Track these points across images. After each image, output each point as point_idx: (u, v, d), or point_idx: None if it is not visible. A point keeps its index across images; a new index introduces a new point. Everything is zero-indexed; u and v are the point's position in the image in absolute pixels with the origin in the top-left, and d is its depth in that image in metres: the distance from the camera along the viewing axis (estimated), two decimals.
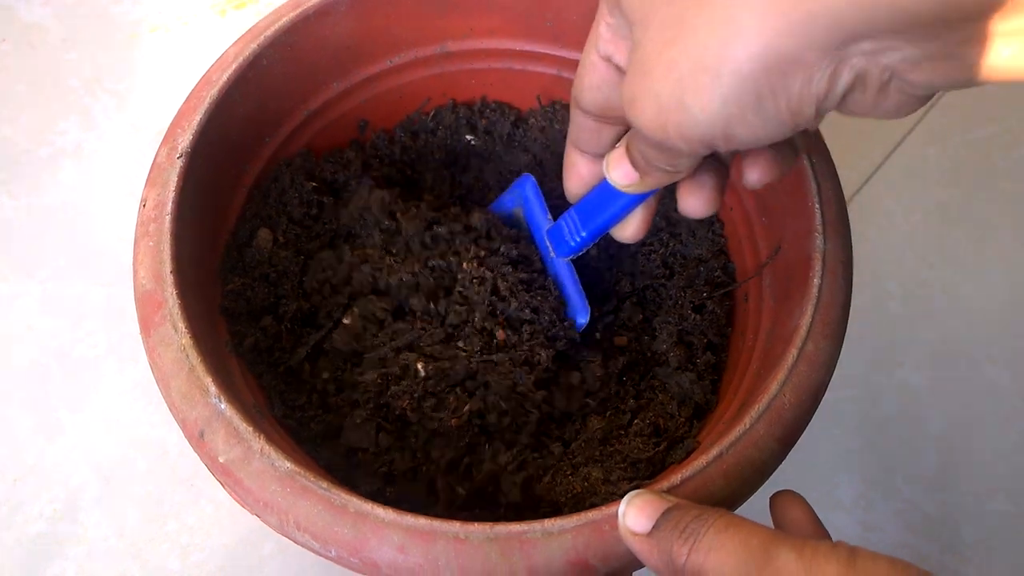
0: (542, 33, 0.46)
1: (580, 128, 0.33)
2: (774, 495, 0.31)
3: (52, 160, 0.61)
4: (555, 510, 0.36)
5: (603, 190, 0.35)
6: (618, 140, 0.32)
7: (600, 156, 0.34)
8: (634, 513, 0.28)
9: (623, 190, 0.32)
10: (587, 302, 0.42)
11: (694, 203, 0.31)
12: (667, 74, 0.24)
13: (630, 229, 0.35)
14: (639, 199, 0.34)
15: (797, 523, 0.30)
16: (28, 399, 0.53)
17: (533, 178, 0.44)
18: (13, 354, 0.54)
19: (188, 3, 0.69)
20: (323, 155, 0.46)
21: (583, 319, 0.42)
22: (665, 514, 0.28)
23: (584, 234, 0.38)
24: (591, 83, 0.30)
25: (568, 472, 0.38)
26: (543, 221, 0.43)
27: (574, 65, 0.46)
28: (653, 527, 0.28)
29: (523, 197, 0.44)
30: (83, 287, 0.56)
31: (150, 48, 0.66)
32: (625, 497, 0.29)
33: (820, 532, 0.30)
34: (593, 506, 0.30)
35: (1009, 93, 0.66)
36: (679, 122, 0.24)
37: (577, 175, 0.35)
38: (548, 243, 0.42)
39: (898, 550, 0.50)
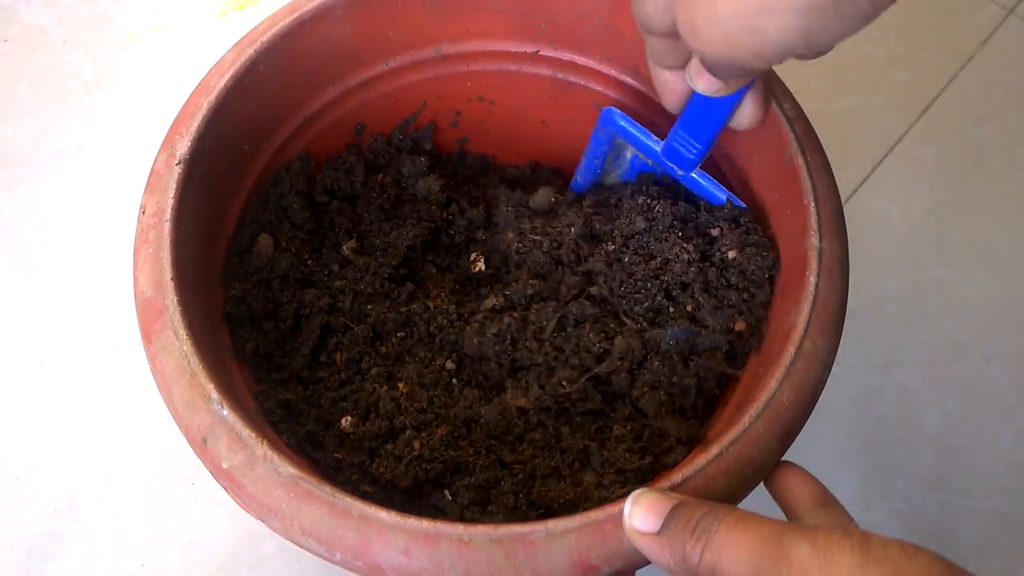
0: (537, 35, 0.46)
1: (655, 49, 0.33)
2: (770, 473, 0.32)
3: (52, 160, 0.61)
4: (549, 515, 0.36)
5: (700, 98, 0.35)
6: None
7: (684, 67, 0.33)
8: (641, 513, 0.28)
9: (714, 96, 0.32)
10: (736, 197, 0.41)
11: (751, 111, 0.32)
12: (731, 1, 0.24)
13: (746, 118, 0.35)
14: (738, 95, 0.34)
15: (799, 496, 0.30)
16: (28, 399, 0.53)
17: (616, 109, 0.43)
18: (13, 354, 0.54)
19: (188, 4, 0.69)
20: (322, 160, 0.46)
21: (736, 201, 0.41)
22: (673, 512, 0.28)
23: (699, 145, 0.38)
24: (655, 7, 0.29)
25: (560, 477, 0.38)
26: (653, 144, 0.42)
27: (570, 66, 0.47)
28: (662, 526, 0.27)
29: (619, 131, 0.43)
30: (83, 287, 0.56)
31: (150, 49, 0.67)
32: (630, 497, 0.29)
33: (826, 499, 0.30)
34: (587, 510, 0.30)
35: (1008, 93, 0.66)
36: (752, 44, 0.24)
37: (670, 91, 0.35)
38: (671, 164, 0.41)
39: None
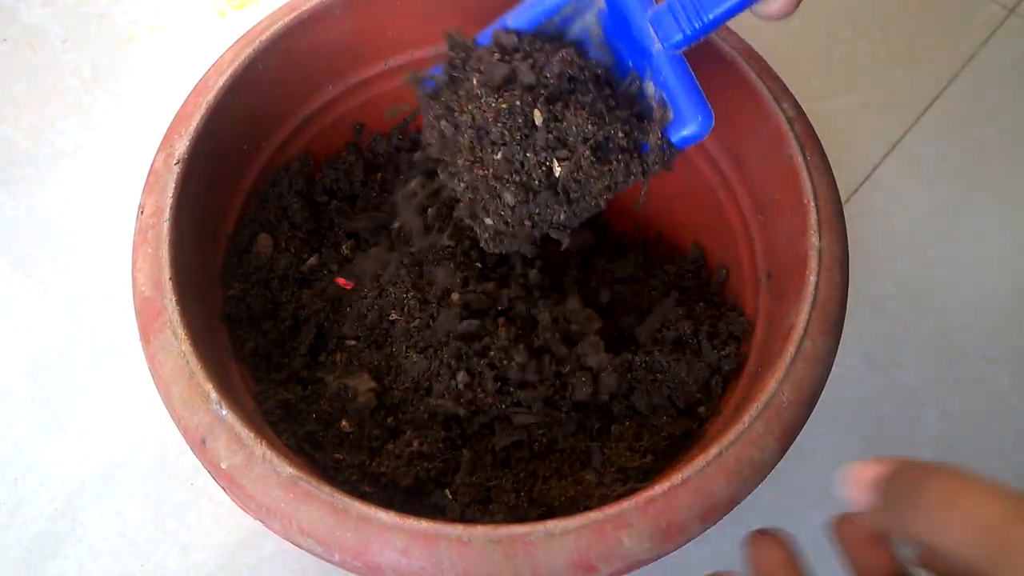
0: None
1: None
2: (749, 536, 0.28)
3: (52, 160, 0.61)
4: (549, 514, 0.36)
5: None
6: None
7: None
8: (855, 490, 0.26)
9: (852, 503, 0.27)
10: (707, 103, 0.33)
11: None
12: None
13: (776, 4, 0.30)
14: None
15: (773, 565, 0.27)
16: (28, 399, 0.53)
17: None
18: (13, 354, 0.54)
19: (187, 4, 0.69)
20: (321, 160, 0.46)
21: (704, 126, 0.32)
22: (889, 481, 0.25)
23: (710, 16, 0.31)
24: None
25: (561, 476, 0.38)
26: (643, 3, 0.33)
27: None
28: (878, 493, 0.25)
29: None
30: (83, 287, 0.56)
31: (150, 49, 0.67)
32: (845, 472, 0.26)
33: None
34: (588, 509, 0.30)
35: (1009, 93, 0.66)
36: None
37: None
38: (652, 32, 0.33)
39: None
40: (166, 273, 0.34)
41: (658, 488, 0.30)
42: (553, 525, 0.29)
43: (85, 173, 0.61)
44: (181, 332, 0.33)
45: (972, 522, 0.22)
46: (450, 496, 0.37)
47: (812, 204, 0.36)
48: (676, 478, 0.30)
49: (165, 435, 0.52)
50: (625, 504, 0.30)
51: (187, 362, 0.32)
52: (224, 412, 0.31)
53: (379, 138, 0.48)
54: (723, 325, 0.42)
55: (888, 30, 0.69)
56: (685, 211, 0.48)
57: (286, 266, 0.42)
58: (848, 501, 0.26)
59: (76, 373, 0.54)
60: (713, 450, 0.31)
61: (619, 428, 0.39)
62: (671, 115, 0.33)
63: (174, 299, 0.33)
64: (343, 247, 0.44)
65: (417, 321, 0.40)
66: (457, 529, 0.29)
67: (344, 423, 0.38)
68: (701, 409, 0.40)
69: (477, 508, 0.37)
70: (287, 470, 0.30)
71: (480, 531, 0.29)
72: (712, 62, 0.40)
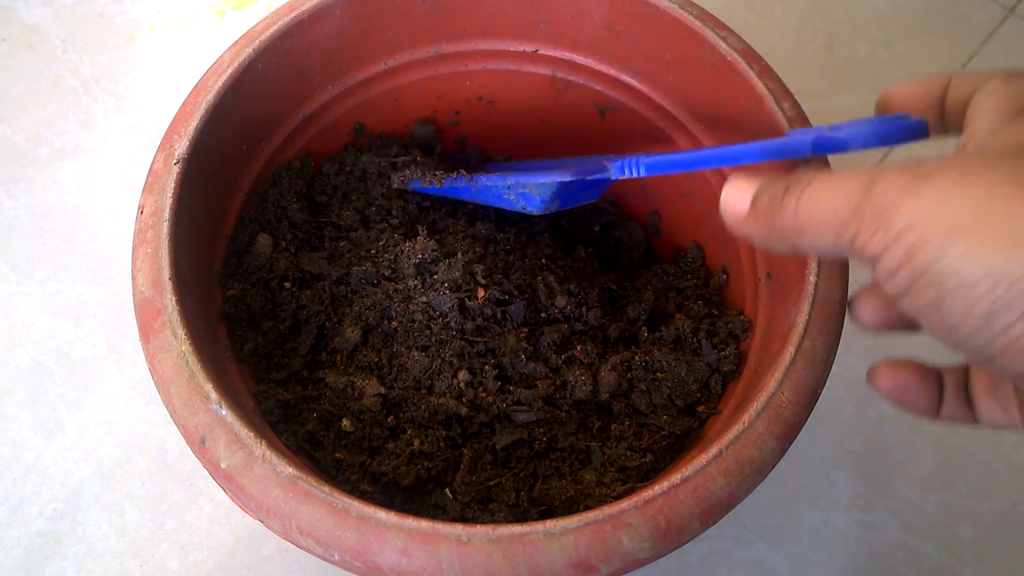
0: (537, 34, 0.46)
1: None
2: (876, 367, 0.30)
3: (52, 160, 0.61)
4: (549, 513, 0.36)
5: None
6: None
7: None
8: (734, 193, 0.28)
9: (729, 220, 0.29)
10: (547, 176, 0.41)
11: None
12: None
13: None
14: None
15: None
16: (28, 399, 0.53)
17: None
18: (13, 354, 0.54)
19: (187, 4, 0.69)
20: (321, 159, 0.46)
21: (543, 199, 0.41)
22: (763, 186, 0.27)
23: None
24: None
25: (561, 475, 0.38)
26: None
27: (568, 65, 0.47)
28: (753, 200, 0.27)
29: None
30: (83, 287, 0.56)
31: (149, 49, 0.67)
32: (724, 186, 0.28)
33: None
34: (588, 508, 0.30)
35: None
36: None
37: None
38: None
39: (896, 549, 0.50)
40: (166, 273, 0.34)
41: (657, 488, 0.30)
42: (552, 525, 0.29)
43: (85, 173, 0.61)
44: (181, 332, 0.33)
45: (840, 178, 0.24)
46: (450, 495, 0.37)
47: None
48: (675, 477, 0.30)
49: (165, 435, 0.52)
50: (624, 504, 0.30)
51: (187, 362, 0.32)
52: (224, 412, 0.31)
53: (380, 137, 0.48)
54: (722, 324, 0.42)
55: (888, 30, 0.69)
56: (686, 211, 0.48)
57: (285, 266, 0.42)
58: (728, 219, 0.28)
59: (76, 373, 0.54)
60: (713, 449, 0.31)
61: (619, 427, 0.39)
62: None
63: (174, 299, 0.33)
64: (342, 247, 0.44)
65: (418, 319, 0.40)
66: (456, 529, 0.29)
67: (345, 422, 0.38)
68: (701, 408, 0.40)
69: (477, 507, 0.37)
70: (287, 470, 0.30)
71: (480, 531, 0.29)
72: (713, 63, 0.40)
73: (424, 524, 0.29)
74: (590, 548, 0.29)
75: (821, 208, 0.24)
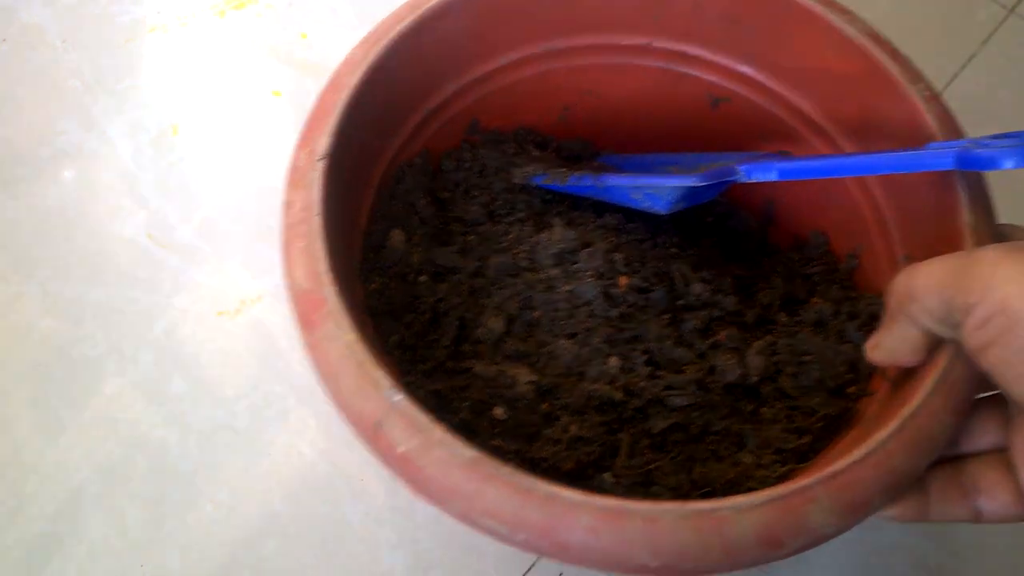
0: (650, 27, 0.46)
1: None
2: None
3: (52, 160, 0.61)
4: (712, 494, 0.36)
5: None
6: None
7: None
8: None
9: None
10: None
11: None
12: None
13: None
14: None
15: None
16: (28, 399, 0.53)
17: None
18: (13, 354, 0.54)
19: (187, 4, 0.69)
20: (440, 155, 0.47)
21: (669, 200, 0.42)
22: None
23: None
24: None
25: (719, 458, 0.38)
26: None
27: (682, 57, 0.47)
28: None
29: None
30: (83, 287, 0.56)
31: (149, 49, 0.67)
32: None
33: None
34: (751, 490, 0.30)
35: (1009, 93, 0.66)
36: None
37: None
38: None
39: (896, 550, 0.50)
40: (323, 265, 0.34)
41: (842, 463, 0.30)
42: (741, 500, 0.29)
43: (85, 173, 0.61)
44: (345, 322, 0.32)
45: (930, 279, 0.29)
46: (612, 479, 0.37)
47: (961, 180, 0.36)
48: (857, 454, 0.30)
49: (165, 435, 0.52)
50: (810, 478, 0.29)
51: (352, 351, 0.32)
52: (396, 398, 0.31)
53: (495, 134, 0.49)
54: (863, 306, 0.41)
55: (888, 30, 0.69)
56: (806, 199, 0.48)
57: (420, 260, 0.43)
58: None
59: (76, 373, 0.54)
60: (893, 424, 0.30)
61: (770, 410, 0.39)
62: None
63: (334, 290, 0.33)
64: (470, 240, 0.45)
65: (562, 308, 0.41)
66: (645, 506, 0.28)
67: (498, 410, 0.38)
68: (851, 390, 0.39)
69: (640, 490, 0.36)
70: (468, 452, 0.30)
71: (669, 507, 0.28)
72: (839, 47, 0.41)
73: (612, 502, 0.28)
74: (778, 523, 0.29)
75: (929, 274, 0.30)
